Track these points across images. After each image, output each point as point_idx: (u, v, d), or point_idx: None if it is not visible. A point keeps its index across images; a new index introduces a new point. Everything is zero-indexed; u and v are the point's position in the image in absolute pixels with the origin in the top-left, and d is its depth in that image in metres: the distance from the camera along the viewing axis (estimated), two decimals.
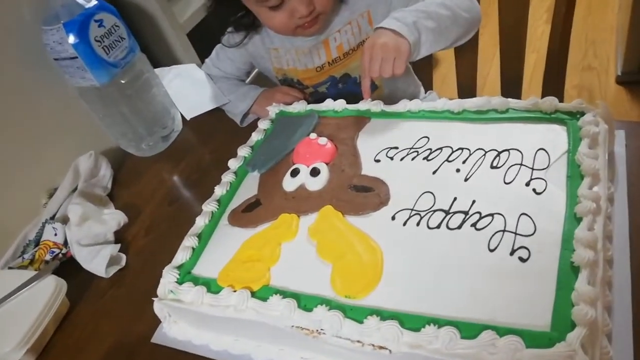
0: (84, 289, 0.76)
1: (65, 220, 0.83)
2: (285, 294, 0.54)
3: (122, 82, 0.90)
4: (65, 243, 0.80)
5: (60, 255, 0.79)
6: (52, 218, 0.86)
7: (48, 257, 0.79)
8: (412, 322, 0.47)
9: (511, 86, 1.05)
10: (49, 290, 0.70)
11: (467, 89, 1.08)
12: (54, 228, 0.82)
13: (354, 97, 0.77)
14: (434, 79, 1.16)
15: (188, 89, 0.99)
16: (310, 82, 0.93)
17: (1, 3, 0.86)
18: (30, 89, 0.91)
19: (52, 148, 0.94)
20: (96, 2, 0.85)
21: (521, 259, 0.49)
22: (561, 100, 0.63)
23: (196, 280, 0.60)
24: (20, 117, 0.89)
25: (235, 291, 0.56)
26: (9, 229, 0.86)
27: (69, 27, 0.81)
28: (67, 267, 0.78)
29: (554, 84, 1.02)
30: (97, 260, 0.75)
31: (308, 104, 0.81)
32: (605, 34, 2.00)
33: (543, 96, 0.64)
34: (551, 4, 0.94)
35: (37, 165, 0.92)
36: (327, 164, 0.67)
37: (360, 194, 0.62)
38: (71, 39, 0.82)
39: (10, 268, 0.80)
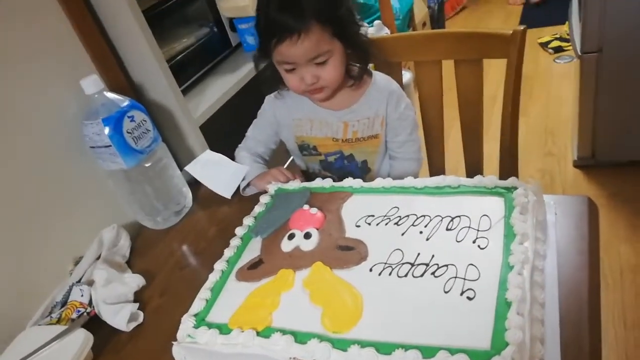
0: (106, 343, 0.85)
1: (90, 284, 0.94)
2: (284, 332, 0.65)
3: (146, 165, 1.05)
4: (90, 303, 0.90)
5: (85, 314, 0.89)
6: (78, 282, 0.97)
7: (74, 315, 0.89)
8: (385, 349, 0.59)
9: (474, 169, 1.24)
10: (79, 342, 0.79)
11: (439, 170, 1.27)
12: (80, 290, 0.92)
13: (351, 175, 0.93)
14: None
15: (216, 173, 1.10)
16: (325, 149, 1.10)
17: (53, 104, 1.03)
18: (67, 171, 1.05)
19: (80, 221, 1.07)
20: (129, 102, 1.03)
21: (469, 298, 0.62)
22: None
23: (210, 325, 0.70)
24: (55, 194, 1.03)
25: (243, 331, 0.67)
26: (38, 293, 0.96)
27: (106, 121, 0.97)
28: (90, 324, 0.87)
29: (508, 167, 1.21)
30: (120, 316, 0.86)
31: (301, 182, 0.97)
32: (562, 125, 2.27)
33: (500, 177, 0.79)
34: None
35: (66, 236, 1.04)
36: (317, 229, 0.80)
37: (345, 252, 0.75)
38: (107, 131, 0.97)
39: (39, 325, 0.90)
